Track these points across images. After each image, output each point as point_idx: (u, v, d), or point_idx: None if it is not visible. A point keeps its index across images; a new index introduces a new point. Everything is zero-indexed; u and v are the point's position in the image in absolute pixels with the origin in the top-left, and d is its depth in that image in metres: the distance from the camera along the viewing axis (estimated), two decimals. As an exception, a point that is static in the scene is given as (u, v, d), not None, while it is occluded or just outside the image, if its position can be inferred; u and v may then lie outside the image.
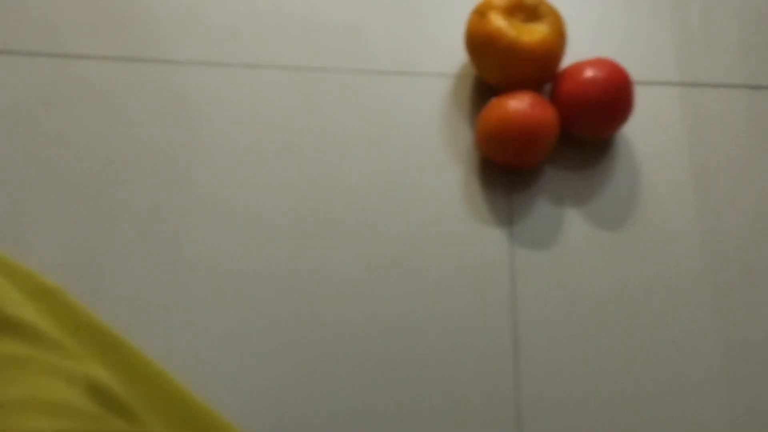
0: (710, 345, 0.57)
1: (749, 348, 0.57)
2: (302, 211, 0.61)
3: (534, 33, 0.62)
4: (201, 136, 0.64)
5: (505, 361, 0.56)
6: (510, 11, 0.63)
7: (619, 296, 0.59)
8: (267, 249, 0.60)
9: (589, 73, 0.62)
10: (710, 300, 0.59)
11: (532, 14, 0.63)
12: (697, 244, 0.61)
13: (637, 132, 0.66)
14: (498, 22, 0.62)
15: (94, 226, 0.60)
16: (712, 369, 0.56)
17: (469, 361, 0.56)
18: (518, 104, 0.60)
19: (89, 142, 0.63)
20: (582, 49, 0.66)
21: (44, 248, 0.58)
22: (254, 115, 0.65)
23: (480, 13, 0.63)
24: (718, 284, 0.60)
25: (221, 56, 0.68)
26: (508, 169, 0.64)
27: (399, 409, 0.54)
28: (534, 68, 0.62)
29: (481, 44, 0.63)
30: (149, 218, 0.60)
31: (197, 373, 0.54)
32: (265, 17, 0.70)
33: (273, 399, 0.54)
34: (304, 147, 0.64)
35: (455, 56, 0.68)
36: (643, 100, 0.66)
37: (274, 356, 0.56)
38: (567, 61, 0.64)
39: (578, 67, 0.63)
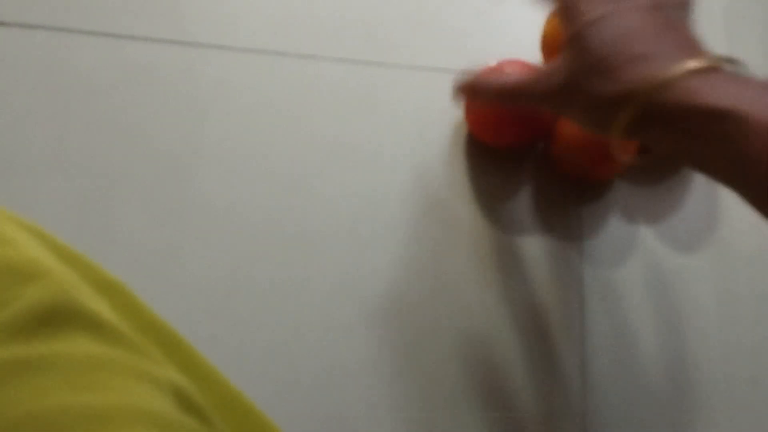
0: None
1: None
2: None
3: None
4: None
5: (573, 384, 0.54)
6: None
7: (690, 321, 0.57)
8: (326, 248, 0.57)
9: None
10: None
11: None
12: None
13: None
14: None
15: (103, 201, 0.58)
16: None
17: (536, 374, 0.54)
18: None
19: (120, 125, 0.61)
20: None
21: (59, 219, 0.57)
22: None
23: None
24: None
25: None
26: (580, 183, 0.61)
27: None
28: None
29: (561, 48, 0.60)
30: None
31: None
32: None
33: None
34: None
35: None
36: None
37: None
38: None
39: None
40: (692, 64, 0.39)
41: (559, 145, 0.59)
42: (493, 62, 0.59)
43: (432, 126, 0.63)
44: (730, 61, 0.40)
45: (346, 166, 0.60)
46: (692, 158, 0.41)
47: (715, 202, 0.62)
